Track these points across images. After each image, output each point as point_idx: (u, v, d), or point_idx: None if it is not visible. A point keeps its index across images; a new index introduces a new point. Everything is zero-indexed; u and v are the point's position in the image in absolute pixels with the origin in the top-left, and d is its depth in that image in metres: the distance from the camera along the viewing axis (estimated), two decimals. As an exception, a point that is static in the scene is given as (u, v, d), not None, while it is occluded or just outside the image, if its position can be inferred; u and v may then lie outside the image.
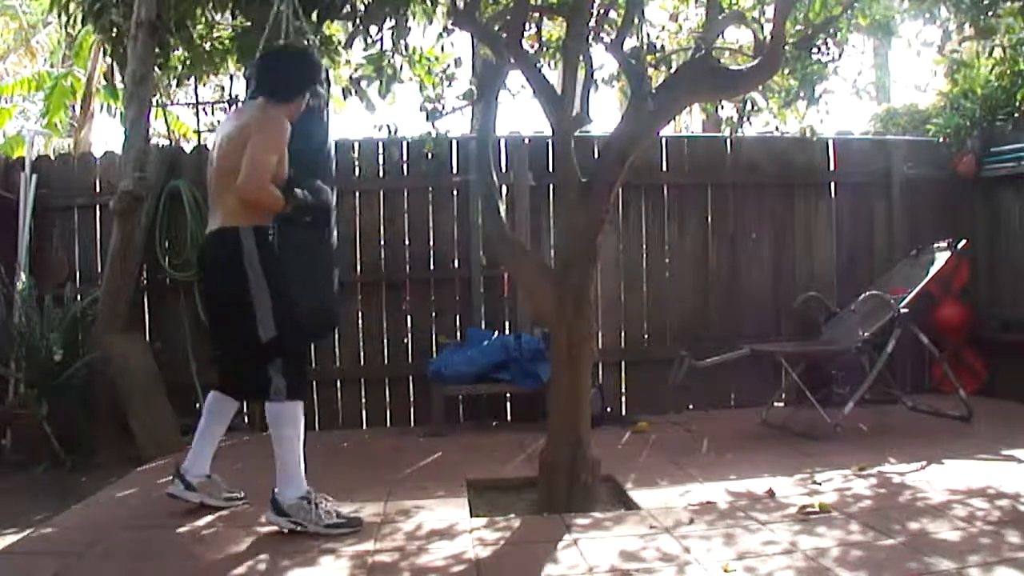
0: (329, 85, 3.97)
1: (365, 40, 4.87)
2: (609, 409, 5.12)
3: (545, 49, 4.56)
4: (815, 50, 4.39)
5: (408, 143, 5.27)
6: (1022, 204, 5.30)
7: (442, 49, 4.84)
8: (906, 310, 4.48)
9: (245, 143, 2.93)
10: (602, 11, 4.09)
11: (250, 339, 2.95)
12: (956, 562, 2.44)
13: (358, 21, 4.86)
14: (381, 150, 5.31)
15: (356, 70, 5.24)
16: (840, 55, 4.57)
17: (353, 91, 5.22)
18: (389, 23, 4.77)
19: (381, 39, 4.82)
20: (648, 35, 4.34)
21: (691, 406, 5.33)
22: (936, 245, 4.96)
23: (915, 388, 5.30)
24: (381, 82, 4.86)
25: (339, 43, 5.26)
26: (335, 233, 3.91)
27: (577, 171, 3.33)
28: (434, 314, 5.29)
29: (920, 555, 2.52)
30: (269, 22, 4.05)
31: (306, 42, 4.28)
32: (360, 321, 5.30)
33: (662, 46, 4.71)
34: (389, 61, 4.79)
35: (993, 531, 2.72)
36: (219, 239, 3.02)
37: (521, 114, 34.35)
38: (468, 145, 5.16)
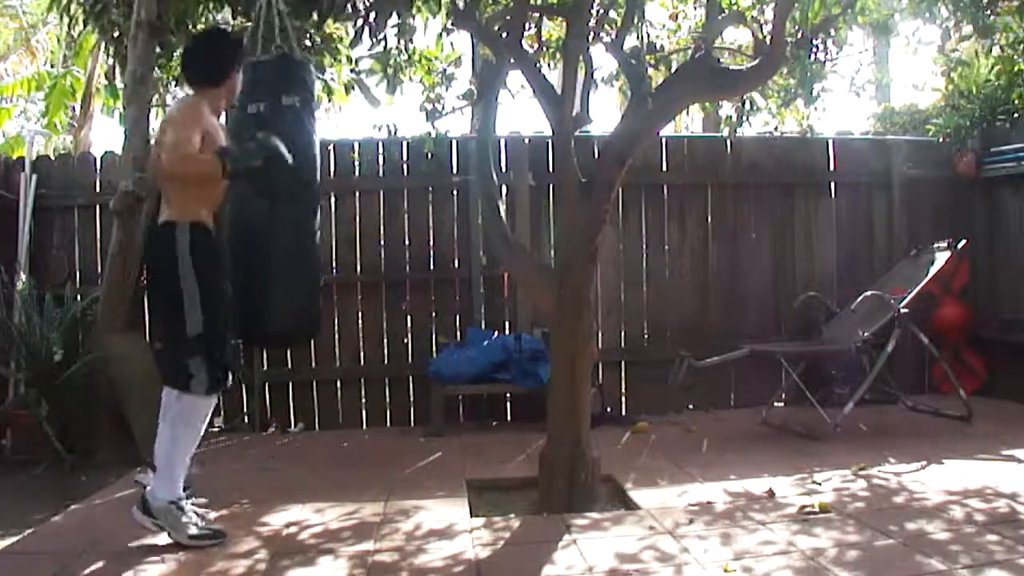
0: (315, 89, 3.87)
1: (371, 38, 4.87)
2: (609, 409, 5.12)
3: (545, 49, 4.56)
4: (814, 49, 4.39)
5: (408, 143, 5.27)
6: (1022, 204, 5.30)
7: (441, 49, 4.84)
8: (906, 310, 4.48)
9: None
10: (602, 11, 4.10)
11: (177, 332, 2.94)
12: (953, 562, 2.44)
13: (360, 21, 4.86)
14: (381, 150, 5.31)
15: (358, 64, 5.24)
16: (838, 54, 4.57)
17: (356, 87, 5.22)
18: (393, 22, 4.76)
19: (384, 38, 4.82)
20: (648, 35, 4.35)
21: (691, 406, 5.33)
22: (936, 245, 4.96)
23: (915, 388, 5.30)
24: (388, 81, 4.86)
25: (340, 40, 5.26)
26: (317, 217, 3.68)
27: (577, 171, 3.33)
28: (434, 314, 5.29)
29: (918, 555, 2.52)
30: (258, 19, 3.93)
31: (307, 41, 4.28)
32: (360, 321, 5.30)
33: (662, 46, 4.71)
34: (394, 59, 4.79)
35: (991, 531, 2.72)
36: (157, 233, 3.01)
37: (521, 114, 34.36)
38: (468, 145, 5.16)
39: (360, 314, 5.30)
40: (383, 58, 4.77)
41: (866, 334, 4.47)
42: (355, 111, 13.13)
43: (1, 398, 4.61)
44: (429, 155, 5.13)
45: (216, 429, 4.89)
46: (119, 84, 5.40)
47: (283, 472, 4.08)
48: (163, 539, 2.89)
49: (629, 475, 3.64)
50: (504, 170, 5.24)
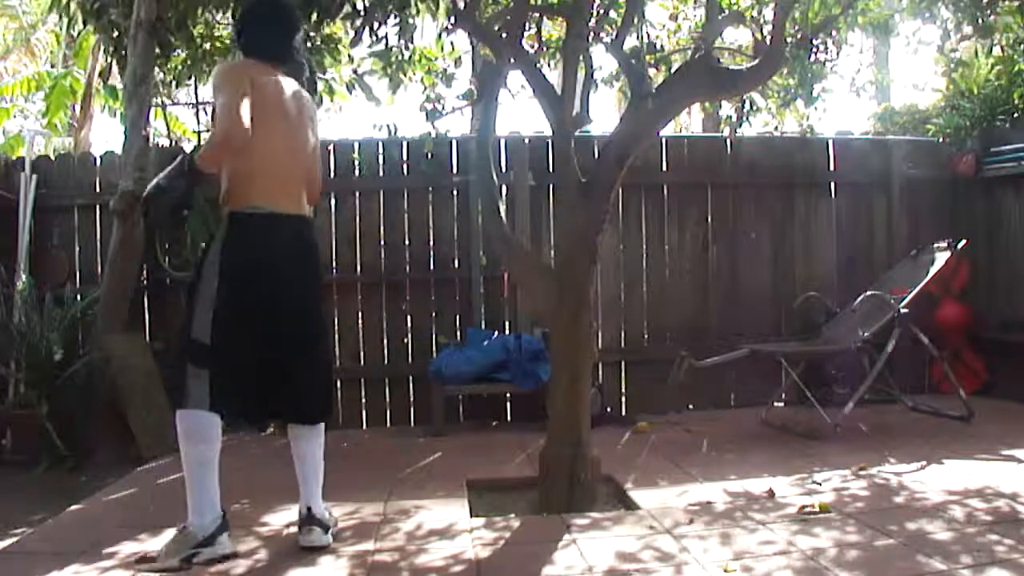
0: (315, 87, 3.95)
1: (371, 37, 4.87)
2: (609, 409, 5.12)
3: (545, 49, 4.57)
4: (814, 49, 4.40)
5: (408, 143, 5.27)
6: (1022, 204, 5.30)
7: (441, 49, 4.84)
8: (906, 310, 4.48)
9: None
10: (602, 11, 4.10)
11: (326, 342, 3.08)
12: (953, 562, 2.44)
13: (360, 20, 4.86)
14: (381, 150, 5.31)
15: (360, 64, 5.24)
16: (838, 54, 4.58)
17: (356, 86, 5.22)
18: (393, 21, 4.77)
19: (386, 37, 4.83)
20: (648, 35, 4.35)
21: (691, 406, 5.33)
22: (936, 245, 4.95)
23: (915, 388, 5.29)
24: (390, 78, 4.87)
25: (339, 40, 5.26)
26: None
27: (577, 171, 3.33)
28: (434, 314, 5.29)
29: (918, 555, 2.52)
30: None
31: (307, 41, 4.29)
32: (360, 321, 5.30)
33: (662, 46, 4.71)
34: (396, 56, 4.79)
35: (991, 531, 2.72)
36: (308, 227, 2.88)
37: (521, 114, 34.38)
38: (468, 145, 5.16)
39: (360, 314, 5.30)
40: (384, 56, 4.78)
41: (866, 334, 4.47)
42: (355, 111, 13.21)
43: (1, 398, 4.61)
44: (429, 155, 5.14)
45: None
46: (119, 84, 5.39)
47: (283, 472, 4.07)
48: (163, 539, 2.89)
49: (629, 475, 3.64)
50: (504, 170, 5.24)
